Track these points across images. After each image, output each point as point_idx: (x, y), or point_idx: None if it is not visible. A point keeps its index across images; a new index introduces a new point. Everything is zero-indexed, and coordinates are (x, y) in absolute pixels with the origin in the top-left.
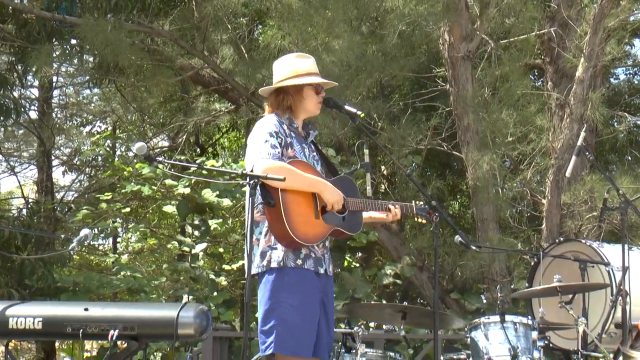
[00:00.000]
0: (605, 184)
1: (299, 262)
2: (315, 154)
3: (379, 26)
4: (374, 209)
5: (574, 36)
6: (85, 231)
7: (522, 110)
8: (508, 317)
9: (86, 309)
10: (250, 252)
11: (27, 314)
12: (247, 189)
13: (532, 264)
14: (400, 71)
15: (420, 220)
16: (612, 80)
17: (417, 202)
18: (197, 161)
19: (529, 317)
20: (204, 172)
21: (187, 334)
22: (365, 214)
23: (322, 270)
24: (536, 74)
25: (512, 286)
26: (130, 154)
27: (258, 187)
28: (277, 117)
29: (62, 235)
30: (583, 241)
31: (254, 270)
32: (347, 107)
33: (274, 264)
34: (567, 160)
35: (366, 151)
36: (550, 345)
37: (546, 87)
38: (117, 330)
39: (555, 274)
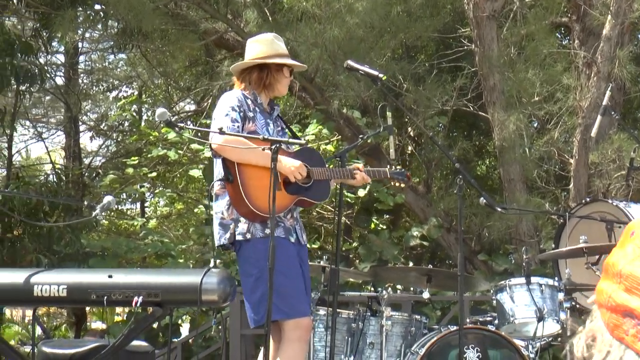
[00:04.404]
0: (633, 142)
1: (267, 231)
2: (280, 129)
3: None
4: (340, 177)
5: None
6: (108, 198)
7: (548, 69)
8: (534, 279)
9: (110, 276)
10: (214, 225)
11: (51, 281)
12: (218, 161)
13: (559, 225)
14: (425, 32)
15: (397, 184)
16: (639, 37)
17: (394, 167)
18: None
19: (555, 278)
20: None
21: (211, 300)
22: (333, 180)
23: (292, 239)
24: (562, 32)
25: (540, 246)
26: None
27: (220, 162)
28: (242, 92)
29: (86, 202)
30: (610, 201)
31: (217, 242)
32: (367, 70)
33: (239, 237)
34: (594, 119)
35: (389, 114)
36: (577, 306)
37: (573, 46)
38: (141, 297)
39: (582, 234)
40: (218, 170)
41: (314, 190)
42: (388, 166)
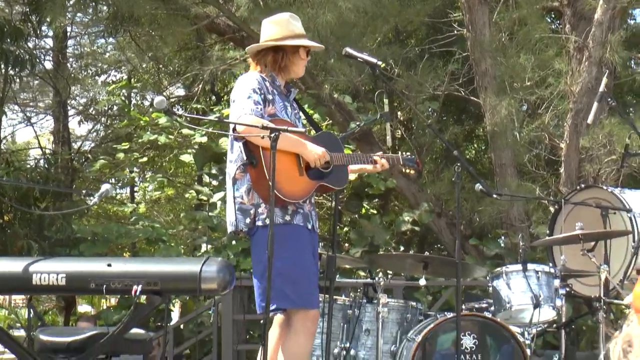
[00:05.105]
0: (624, 127)
1: (287, 218)
2: (297, 111)
3: None
4: (359, 162)
5: None
6: (106, 186)
7: (540, 54)
8: (530, 266)
9: (109, 265)
10: (230, 209)
11: (50, 270)
12: (238, 144)
13: (553, 211)
14: (417, 16)
15: (407, 170)
16: (630, 21)
17: (404, 153)
18: (214, 110)
19: (551, 265)
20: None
21: (211, 289)
22: (354, 167)
23: (309, 226)
24: (554, 16)
25: (530, 230)
26: (146, 103)
27: (241, 146)
28: (260, 74)
29: (84, 191)
30: (604, 187)
31: (232, 227)
32: (366, 57)
33: (259, 223)
34: (585, 104)
35: (385, 101)
36: (572, 292)
37: (564, 30)
38: (140, 286)
39: (577, 221)
40: (237, 154)
41: (333, 176)
42: (399, 152)
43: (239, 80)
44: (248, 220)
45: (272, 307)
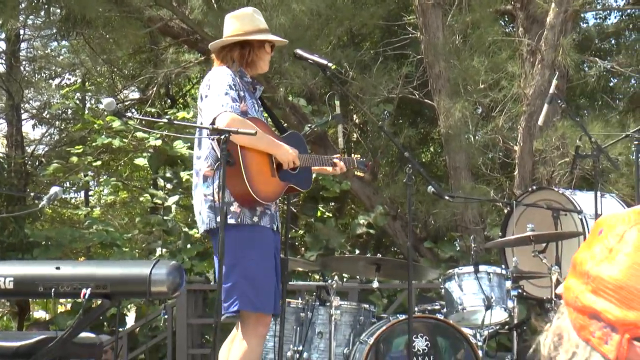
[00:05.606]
0: (577, 130)
1: (255, 219)
2: (261, 109)
3: None
4: (321, 164)
5: None
6: (55, 189)
7: (493, 57)
8: (482, 268)
9: (58, 268)
10: (202, 207)
11: None
12: (208, 141)
13: (506, 213)
14: (371, 19)
15: (359, 173)
16: (582, 24)
17: (357, 157)
18: (169, 113)
19: (503, 266)
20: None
21: (160, 292)
22: (314, 168)
23: (275, 228)
24: (507, 20)
25: (485, 233)
26: (101, 106)
27: (213, 143)
28: (230, 69)
29: (32, 193)
30: (556, 189)
31: (204, 226)
32: (317, 59)
33: (231, 221)
34: (539, 107)
35: (337, 102)
36: (524, 294)
37: (517, 34)
38: (89, 289)
39: (528, 222)
40: (207, 150)
41: (300, 177)
42: (353, 155)
43: (212, 75)
44: (219, 219)
45: (234, 308)
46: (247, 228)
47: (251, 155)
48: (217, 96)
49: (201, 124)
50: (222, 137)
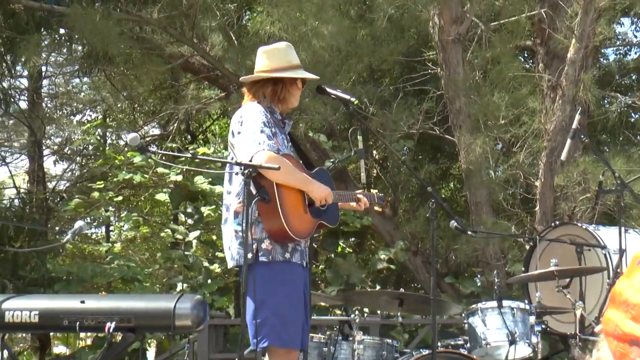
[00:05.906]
0: (598, 165)
1: (287, 255)
2: (290, 144)
3: (367, 10)
4: (347, 200)
5: (565, 17)
6: (79, 223)
7: (513, 92)
8: (505, 303)
9: (82, 302)
10: (232, 243)
11: (23, 307)
12: (239, 177)
13: (528, 248)
14: (391, 55)
15: (377, 208)
16: (602, 60)
17: (376, 192)
18: (189, 149)
19: (526, 301)
20: (196, 161)
21: (184, 326)
22: (340, 204)
23: (304, 264)
24: (527, 55)
25: (506, 269)
26: (122, 142)
27: (241, 179)
28: (261, 105)
29: (57, 228)
30: (579, 224)
31: (233, 262)
32: (340, 94)
33: (262, 258)
34: (559, 142)
35: (359, 137)
36: (548, 329)
37: (537, 69)
38: (113, 323)
39: (552, 257)
40: (239, 187)
41: (329, 214)
42: (373, 191)
43: (244, 112)
44: (250, 255)
45: (264, 345)
46: (278, 265)
47: (286, 192)
48: (252, 134)
49: (232, 159)
50: (247, 171)
